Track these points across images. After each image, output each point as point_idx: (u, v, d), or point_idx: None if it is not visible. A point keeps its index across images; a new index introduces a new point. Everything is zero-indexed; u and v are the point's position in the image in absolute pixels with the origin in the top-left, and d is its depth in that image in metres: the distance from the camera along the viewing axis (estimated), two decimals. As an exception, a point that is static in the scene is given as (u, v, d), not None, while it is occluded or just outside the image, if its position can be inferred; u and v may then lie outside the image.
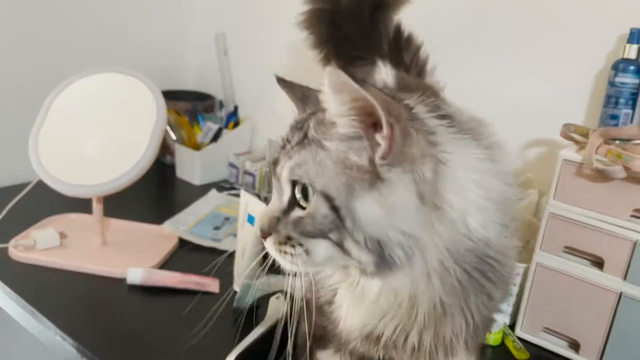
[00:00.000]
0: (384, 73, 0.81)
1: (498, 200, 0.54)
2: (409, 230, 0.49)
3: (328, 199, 0.49)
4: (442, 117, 0.54)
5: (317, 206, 0.50)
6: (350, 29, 0.94)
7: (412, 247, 0.49)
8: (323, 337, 0.69)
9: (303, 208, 0.51)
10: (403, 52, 0.94)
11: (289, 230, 0.52)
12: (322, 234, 0.50)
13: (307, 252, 0.52)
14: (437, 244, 0.50)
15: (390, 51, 0.93)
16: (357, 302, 0.59)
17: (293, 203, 0.52)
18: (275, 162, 0.54)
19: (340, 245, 0.50)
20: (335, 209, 0.49)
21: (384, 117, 0.47)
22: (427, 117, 0.53)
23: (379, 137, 0.48)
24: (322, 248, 0.51)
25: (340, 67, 0.50)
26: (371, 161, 0.49)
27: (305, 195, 0.51)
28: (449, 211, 0.50)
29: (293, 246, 0.52)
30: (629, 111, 0.92)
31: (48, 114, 1.03)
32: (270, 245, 0.54)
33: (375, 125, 0.48)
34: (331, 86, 0.48)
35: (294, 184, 0.52)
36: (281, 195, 0.53)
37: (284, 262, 0.54)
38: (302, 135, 0.53)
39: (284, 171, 0.52)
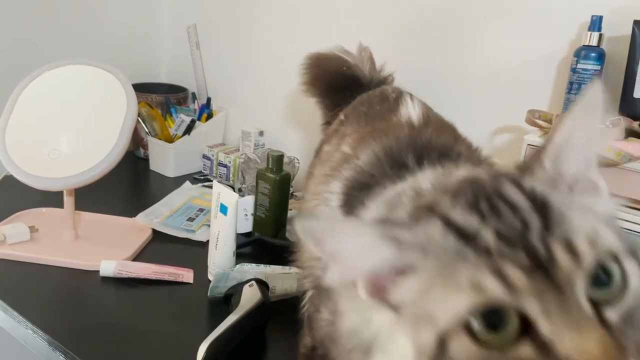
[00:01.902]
0: (411, 107, 0.72)
1: None
2: None
3: (634, 254, 0.38)
4: None
5: (636, 272, 0.37)
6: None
7: None
8: None
9: (608, 302, 0.35)
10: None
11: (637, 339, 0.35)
12: None
13: None
14: None
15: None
16: None
17: (596, 308, 0.35)
18: (539, 262, 0.34)
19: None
20: None
21: None
22: None
23: None
24: None
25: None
26: None
27: (603, 280, 0.36)
28: None
29: None
30: (591, 97, 0.94)
31: (15, 106, 1.02)
32: None
33: None
34: None
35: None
36: (578, 304, 0.34)
37: None
38: (534, 201, 0.38)
39: (585, 254, 0.35)
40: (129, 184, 1.42)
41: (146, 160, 1.46)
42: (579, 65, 0.93)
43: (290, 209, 1.16)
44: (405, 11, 1.18)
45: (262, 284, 0.86)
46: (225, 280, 0.89)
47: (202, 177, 1.42)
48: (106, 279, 0.95)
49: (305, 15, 1.34)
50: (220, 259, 0.95)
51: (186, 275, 0.97)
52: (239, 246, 0.99)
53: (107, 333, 0.83)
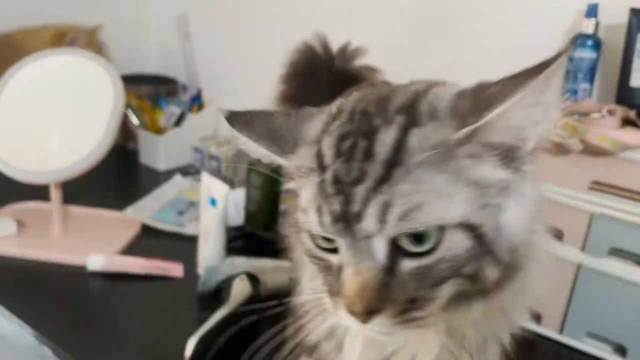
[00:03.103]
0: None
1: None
2: (532, 225, 0.42)
3: (471, 229, 0.39)
4: None
5: (452, 244, 0.38)
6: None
7: (530, 244, 0.42)
8: None
9: (419, 254, 0.39)
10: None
11: (410, 292, 0.39)
12: (457, 273, 0.40)
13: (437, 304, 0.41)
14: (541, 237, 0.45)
15: None
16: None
17: (397, 255, 0.39)
18: (347, 215, 0.39)
19: (473, 276, 0.40)
20: (479, 236, 0.39)
21: None
22: None
23: None
24: (447, 290, 0.40)
25: None
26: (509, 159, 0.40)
27: (419, 239, 0.39)
28: None
29: (422, 308, 0.40)
30: (587, 86, 0.93)
31: (0, 99, 1.00)
32: (382, 324, 0.40)
33: None
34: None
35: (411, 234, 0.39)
36: (370, 253, 0.39)
37: (408, 333, 0.43)
38: (388, 160, 0.39)
39: (391, 224, 0.38)
40: (117, 177, 1.39)
41: (135, 153, 1.44)
42: (575, 54, 0.92)
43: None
44: (399, 1, 1.16)
45: (252, 278, 0.85)
46: (216, 274, 0.88)
47: (193, 171, 1.40)
48: (94, 274, 0.94)
49: (302, 5, 1.31)
50: (211, 252, 0.93)
51: (176, 270, 0.95)
52: (229, 240, 0.97)
53: (96, 328, 0.82)
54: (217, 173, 1.37)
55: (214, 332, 0.74)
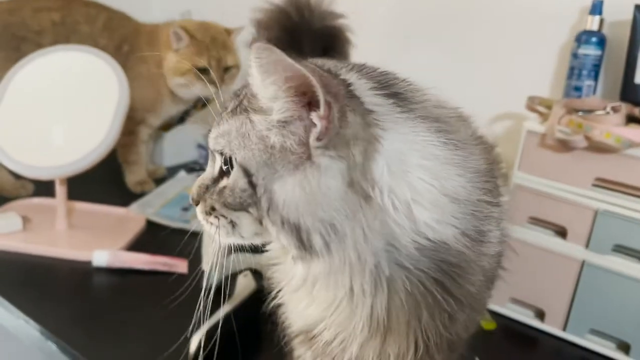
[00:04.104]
0: None
1: (459, 200, 0.46)
2: (328, 217, 0.44)
3: (247, 173, 0.47)
4: (389, 95, 0.47)
5: (236, 179, 0.48)
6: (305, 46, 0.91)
7: (330, 235, 0.45)
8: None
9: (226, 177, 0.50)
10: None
11: (213, 201, 0.50)
12: (243, 208, 0.48)
13: (232, 224, 0.50)
14: (363, 236, 0.44)
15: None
16: (292, 291, 0.55)
17: (222, 173, 0.50)
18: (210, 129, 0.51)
19: (260, 222, 0.48)
20: (252, 185, 0.47)
21: (322, 94, 0.42)
22: (368, 94, 0.46)
23: (314, 117, 0.44)
24: (246, 222, 0.49)
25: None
26: (303, 143, 0.45)
27: (232, 166, 0.49)
28: (382, 197, 0.44)
29: (217, 217, 0.51)
30: (592, 83, 0.93)
31: (5, 95, 1.00)
32: (198, 213, 0.53)
33: (310, 104, 0.44)
34: (262, 66, 0.44)
35: (221, 153, 0.49)
36: (214, 163, 0.51)
37: (211, 232, 0.53)
38: (236, 102, 0.50)
39: (210, 140, 0.50)
40: (122, 173, 1.40)
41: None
42: (579, 51, 0.92)
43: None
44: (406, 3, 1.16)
45: (256, 274, 0.85)
46: (220, 270, 0.88)
47: (198, 168, 1.40)
48: (99, 269, 0.94)
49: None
50: (215, 248, 0.93)
51: (180, 265, 0.96)
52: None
53: (100, 323, 0.82)
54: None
55: (218, 328, 0.74)
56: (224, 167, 0.49)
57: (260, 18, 0.93)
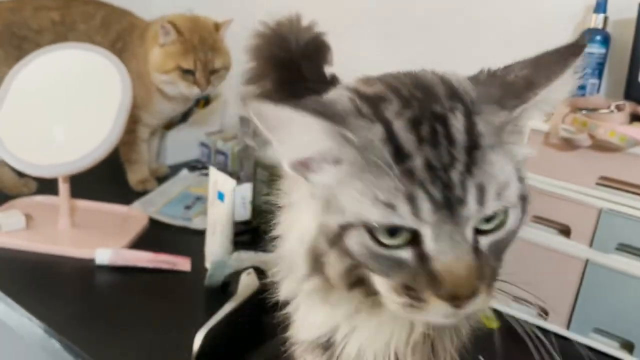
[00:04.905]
0: None
1: None
2: None
3: (524, 199, 0.42)
4: None
5: (515, 214, 0.42)
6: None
7: None
8: None
9: (486, 231, 0.41)
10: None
11: (493, 266, 0.41)
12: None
13: None
14: None
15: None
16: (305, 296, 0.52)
17: (475, 235, 0.40)
18: (449, 200, 0.38)
19: None
20: (525, 203, 0.43)
21: None
22: None
23: None
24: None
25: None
26: None
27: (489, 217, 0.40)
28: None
29: (496, 278, 0.42)
30: (596, 81, 0.92)
31: (9, 93, 1.00)
32: (480, 301, 0.40)
33: None
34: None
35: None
36: (463, 235, 0.39)
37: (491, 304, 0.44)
38: (468, 145, 0.39)
39: (488, 204, 0.39)
40: (125, 171, 1.40)
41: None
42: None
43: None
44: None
45: (260, 272, 0.85)
46: (223, 268, 0.88)
47: (200, 166, 1.40)
48: (102, 267, 0.94)
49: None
50: (218, 246, 0.93)
51: (183, 264, 0.96)
52: (236, 234, 0.97)
53: (103, 321, 0.82)
54: (223, 168, 1.37)
55: (221, 327, 0.74)
56: (485, 224, 0.41)
57: (255, 66, 0.87)
